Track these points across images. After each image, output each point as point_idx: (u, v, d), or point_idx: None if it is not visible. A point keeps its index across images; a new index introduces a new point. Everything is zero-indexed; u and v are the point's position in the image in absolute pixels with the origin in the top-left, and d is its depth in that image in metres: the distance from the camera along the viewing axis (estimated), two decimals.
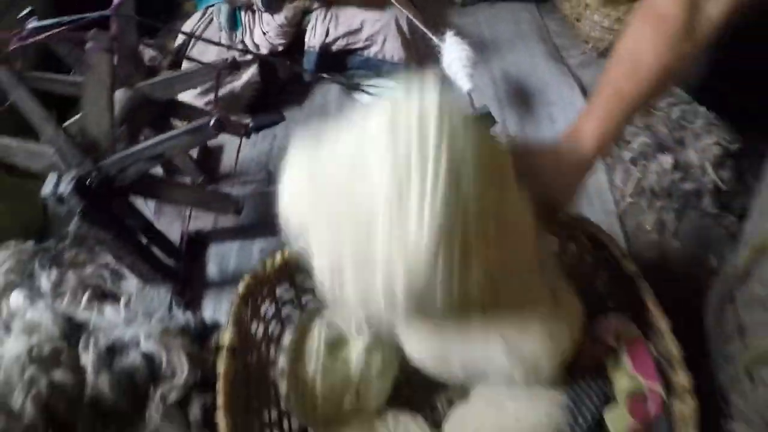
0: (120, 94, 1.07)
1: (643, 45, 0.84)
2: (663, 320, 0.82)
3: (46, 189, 0.97)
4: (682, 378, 0.77)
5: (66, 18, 0.90)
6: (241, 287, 0.88)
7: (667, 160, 1.41)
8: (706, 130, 1.48)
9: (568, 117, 1.61)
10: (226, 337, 0.83)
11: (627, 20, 0.90)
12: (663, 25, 0.84)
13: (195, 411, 0.91)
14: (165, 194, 1.10)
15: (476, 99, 1.36)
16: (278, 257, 0.92)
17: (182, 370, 0.91)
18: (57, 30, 0.90)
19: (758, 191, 0.97)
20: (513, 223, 0.71)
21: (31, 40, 0.91)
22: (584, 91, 1.71)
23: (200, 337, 1.01)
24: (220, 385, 0.78)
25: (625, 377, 0.82)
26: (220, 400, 0.77)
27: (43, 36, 0.91)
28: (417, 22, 1.44)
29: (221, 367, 0.80)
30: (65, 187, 0.95)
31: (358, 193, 0.63)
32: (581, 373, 0.87)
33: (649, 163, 1.43)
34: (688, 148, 1.46)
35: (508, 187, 0.71)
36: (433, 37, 1.43)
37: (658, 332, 0.83)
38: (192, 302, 1.24)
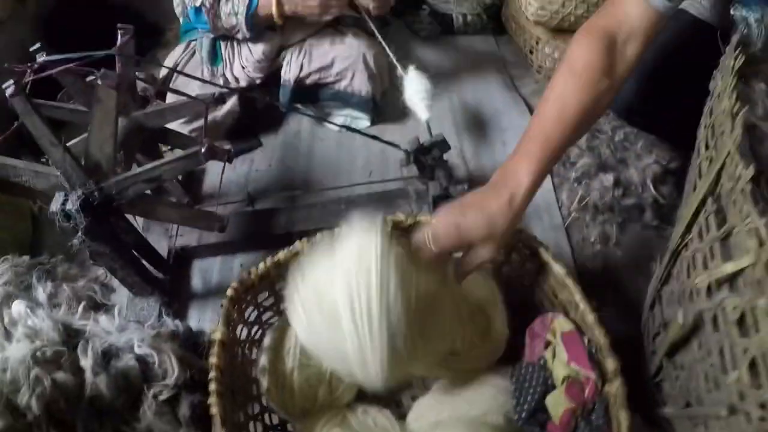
0: (118, 122, 1.15)
1: (566, 92, 0.94)
2: (590, 314, 0.92)
3: (54, 206, 1.05)
4: (610, 363, 0.87)
5: (74, 54, 0.98)
6: (230, 291, 0.97)
7: (608, 178, 1.50)
8: (647, 151, 1.57)
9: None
10: (217, 332, 0.91)
11: (556, 67, 1.01)
12: (584, 73, 0.94)
13: (184, 409, 0.98)
14: (157, 212, 1.18)
15: (434, 127, 1.45)
16: (261, 266, 1.01)
17: (173, 371, 0.99)
18: (67, 66, 0.99)
19: (682, 203, 1.08)
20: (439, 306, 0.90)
21: (44, 73, 0.99)
22: None
23: (188, 342, 1.09)
24: (212, 375, 0.86)
25: (563, 367, 0.92)
26: (213, 386, 0.85)
27: (56, 70, 0.99)
28: (388, 53, 1.53)
29: (213, 359, 0.88)
30: (72, 204, 1.03)
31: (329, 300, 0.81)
32: (525, 365, 0.97)
33: (591, 181, 1.52)
34: (629, 167, 1.54)
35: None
36: (399, 69, 1.52)
37: (588, 324, 0.93)
38: (178, 312, 1.31)
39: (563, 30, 1.91)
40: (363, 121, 1.76)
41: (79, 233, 1.05)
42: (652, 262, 1.39)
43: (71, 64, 0.98)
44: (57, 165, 1.04)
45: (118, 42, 1.12)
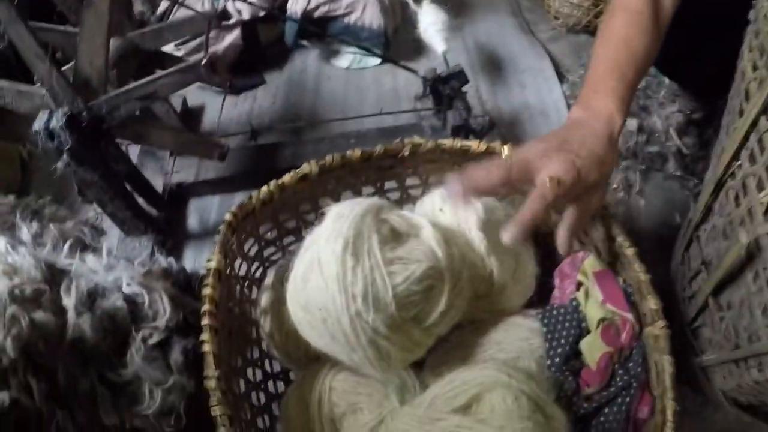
0: (112, 42, 1.03)
1: (630, 34, 0.87)
2: (629, 248, 0.81)
3: (38, 124, 0.93)
4: (651, 302, 0.76)
5: None
6: (228, 216, 0.85)
7: (632, 123, 1.42)
8: (670, 100, 1.49)
9: (539, 84, 1.59)
10: (213, 261, 0.79)
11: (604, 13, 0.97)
12: (637, 17, 0.89)
13: (176, 354, 0.86)
14: (151, 136, 1.06)
15: (450, 60, 1.33)
16: (264, 190, 0.88)
17: (164, 312, 0.87)
18: None
19: (716, 140, 0.98)
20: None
21: None
22: (554, 63, 1.69)
23: (182, 282, 0.97)
24: (206, 307, 0.74)
25: (597, 308, 0.81)
26: (206, 320, 0.73)
27: None
28: None
29: (207, 290, 0.76)
30: (57, 122, 0.91)
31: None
32: (557, 307, 0.86)
33: None
34: (652, 115, 1.47)
35: None
36: (411, 3, 1.40)
37: (625, 261, 0.82)
38: (173, 253, 1.20)
39: None
40: (373, 60, 1.63)
41: (64, 155, 0.93)
42: (675, 212, 1.31)
43: None
44: (43, 81, 0.92)
45: None
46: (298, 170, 0.89)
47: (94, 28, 0.89)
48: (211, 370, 0.69)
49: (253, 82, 1.54)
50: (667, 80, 1.51)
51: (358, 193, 0.99)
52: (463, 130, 1.24)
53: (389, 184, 1.01)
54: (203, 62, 0.93)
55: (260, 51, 1.61)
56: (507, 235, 0.71)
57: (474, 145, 0.93)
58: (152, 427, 0.85)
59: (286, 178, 0.88)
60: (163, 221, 1.20)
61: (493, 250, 0.83)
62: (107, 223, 1.19)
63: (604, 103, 0.81)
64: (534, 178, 0.73)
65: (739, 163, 0.80)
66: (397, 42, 1.66)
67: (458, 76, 1.26)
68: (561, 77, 1.64)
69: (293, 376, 0.94)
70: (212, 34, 1.50)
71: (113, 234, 1.20)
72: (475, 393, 0.70)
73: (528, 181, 0.73)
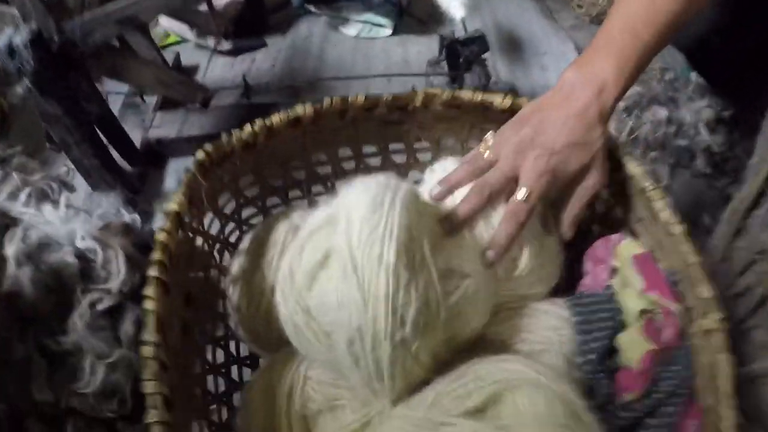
0: None
1: None
2: (678, 225, 0.64)
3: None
4: (703, 290, 0.59)
5: None
6: (200, 154, 0.68)
7: (661, 111, 1.27)
8: (699, 95, 1.34)
9: (560, 67, 1.43)
10: (174, 203, 0.63)
11: None
12: None
13: (127, 325, 0.70)
14: (129, 70, 0.91)
15: (469, 26, 1.18)
16: (247, 130, 0.71)
17: (118, 273, 0.71)
18: None
19: (762, 132, 0.83)
20: None
21: None
22: (578, 49, 1.55)
23: (145, 245, 0.81)
24: (156, 256, 0.57)
25: (637, 297, 0.65)
26: (154, 271, 0.56)
27: None
28: None
29: (161, 235, 0.59)
30: (22, 38, 0.76)
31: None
32: (589, 294, 0.70)
33: (642, 113, 1.28)
34: (681, 108, 1.31)
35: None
36: None
37: (669, 243, 0.66)
38: (144, 215, 1.03)
39: None
40: (385, 30, 1.48)
41: (25, 79, 0.78)
42: (703, 212, 1.16)
43: None
44: None
45: None
46: (289, 111, 0.73)
47: None
48: (150, 334, 0.52)
49: (252, 44, 1.39)
50: (693, 76, 1.36)
51: (357, 151, 0.83)
52: None
53: (394, 145, 0.85)
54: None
55: (263, 11, 1.45)
56: (490, 255, 0.63)
57: (497, 99, 0.76)
58: (91, 408, 0.69)
59: (275, 118, 0.72)
60: (137, 178, 1.04)
61: None
62: (79, 181, 1.03)
63: (601, 66, 0.68)
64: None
65: None
66: (411, 15, 1.51)
67: (479, 41, 1.11)
68: None
69: (262, 364, 0.76)
70: None
71: (83, 192, 1.03)
72: (494, 391, 0.53)
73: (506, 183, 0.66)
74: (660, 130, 1.25)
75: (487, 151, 0.68)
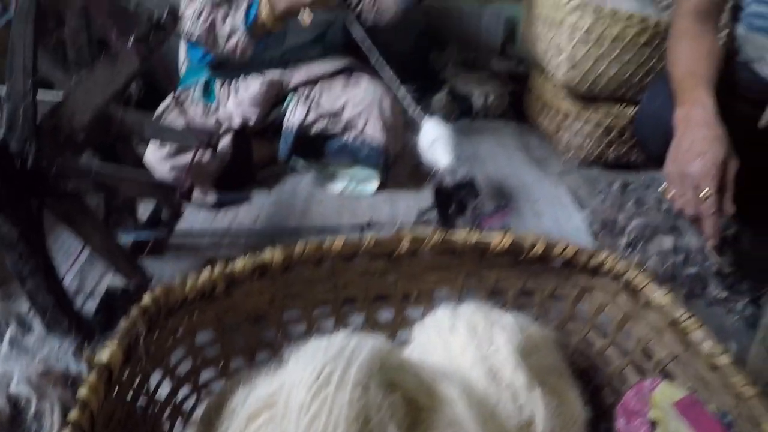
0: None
1: (695, 43, 1.10)
2: (723, 355, 0.50)
3: None
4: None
5: None
6: (146, 299, 0.55)
7: (667, 240, 1.16)
8: None
9: (555, 211, 1.39)
10: (105, 352, 0.50)
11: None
12: (695, 33, 1.11)
13: None
14: (79, 225, 0.82)
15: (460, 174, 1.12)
16: (204, 276, 0.59)
17: (52, 425, 0.61)
18: None
19: None
20: None
21: None
22: (571, 191, 1.49)
23: None
24: (72, 416, 0.44)
25: None
26: None
27: None
28: (404, 96, 1.27)
29: (83, 392, 0.46)
30: None
31: None
32: None
33: (647, 245, 1.19)
34: (685, 235, 1.21)
35: None
36: (416, 113, 1.25)
37: (717, 376, 0.52)
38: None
39: (594, 98, 1.62)
40: (371, 185, 1.42)
41: None
42: (728, 340, 1.02)
43: None
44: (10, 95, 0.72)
45: None
46: (255, 257, 0.62)
47: (96, 87, 0.73)
48: None
49: (236, 198, 1.31)
50: None
51: (336, 310, 0.71)
52: None
53: (380, 300, 0.72)
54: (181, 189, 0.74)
55: (250, 166, 1.41)
56: None
57: (495, 240, 0.66)
58: None
59: (238, 265, 0.61)
60: (97, 326, 0.90)
61: (533, 383, 0.54)
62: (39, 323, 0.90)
63: (696, 94, 1.01)
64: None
65: None
66: (398, 170, 1.45)
67: (469, 186, 1.05)
68: (579, 206, 1.43)
69: None
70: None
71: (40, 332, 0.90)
72: None
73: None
74: (668, 260, 1.15)
75: None
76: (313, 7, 1.21)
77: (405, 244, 0.66)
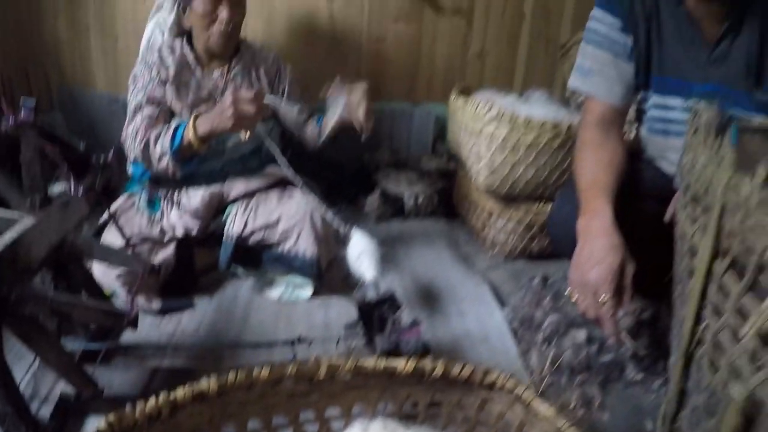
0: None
1: (598, 155, 1.20)
2: None
3: None
4: None
5: None
6: (101, 425, 0.61)
7: (580, 334, 1.27)
8: None
9: (478, 310, 1.47)
10: None
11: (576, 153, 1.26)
12: (599, 145, 1.22)
13: None
14: (36, 343, 0.86)
15: (387, 282, 1.20)
16: (150, 404, 0.65)
17: None
18: None
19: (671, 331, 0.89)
20: None
21: None
22: (494, 289, 1.59)
23: None
24: None
25: None
26: None
27: None
28: (329, 213, 1.37)
29: None
30: None
31: None
32: None
33: (562, 339, 1.27)
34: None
35: None
36: (343, 230, 1.35)
37: None
38: None
39: (514, 198, 1.76)
40: (305, 291, 1.49)
41: None
42: (643, 419, 1.14)
43: None
44: None
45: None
46: (194, 386, 0.68)
47: (50, 228, 0.80)
48: None
49: (180, 305, 1.36)
50: None
51: (267, 423, 0.77)
52: (391, 353, 1.09)
53: (305, 415, 0.80)
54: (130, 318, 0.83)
55: (193, 273, 1.46)
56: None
57: (400, 364, 0.76)
58: None
59: (180, 392, 0.68)
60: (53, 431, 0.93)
61: None
62: None
63: (595, 204, 1.10)
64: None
65: (704, 324, 0.70)
66: (331, 276, 1.53)
67: (389, 301, 1.15)
68: (501, 303, 1.52)
69: None
70: (147, 246, 1.39)
71: None
72: None
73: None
74: (582, 352, 1.23)
75: None
76: (233, 131, 1.31)
77: (323, 371, 0.76)
